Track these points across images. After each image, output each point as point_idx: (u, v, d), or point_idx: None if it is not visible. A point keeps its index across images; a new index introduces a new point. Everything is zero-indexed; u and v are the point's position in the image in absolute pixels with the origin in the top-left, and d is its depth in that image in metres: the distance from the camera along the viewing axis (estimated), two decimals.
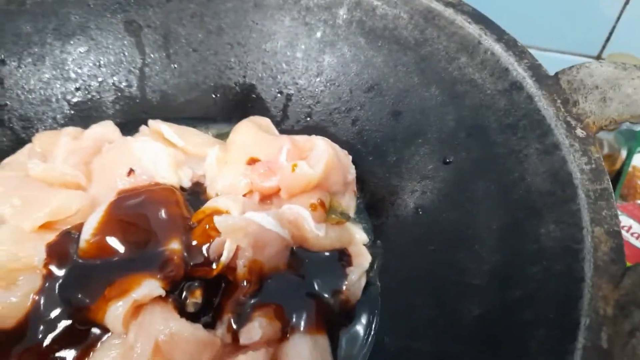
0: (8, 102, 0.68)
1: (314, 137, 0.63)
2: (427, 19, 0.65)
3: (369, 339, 0.55)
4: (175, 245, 0.52)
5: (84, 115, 0.71)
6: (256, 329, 0.50)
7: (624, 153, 0.91)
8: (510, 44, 0.60)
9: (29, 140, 0.67)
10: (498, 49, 0.60)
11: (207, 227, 0.53)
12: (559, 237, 0.48)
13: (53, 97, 0.70)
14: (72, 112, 0.71)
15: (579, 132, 0.52)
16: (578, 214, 0.47)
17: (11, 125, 0.68)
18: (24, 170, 0.60)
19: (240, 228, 0.52)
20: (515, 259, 0.50)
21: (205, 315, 0.52)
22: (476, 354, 0.48)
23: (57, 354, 0.51)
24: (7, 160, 0.64)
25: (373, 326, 0.56)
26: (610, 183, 0.48)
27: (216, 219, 0.52)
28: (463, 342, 0.50)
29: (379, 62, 0.69)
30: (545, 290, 0.46)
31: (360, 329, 0.56)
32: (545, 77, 0.56)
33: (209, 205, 0.56)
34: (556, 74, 0.56)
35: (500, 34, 0.61)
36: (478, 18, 0.62)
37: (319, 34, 0.71)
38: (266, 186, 0.60)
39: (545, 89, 0.55)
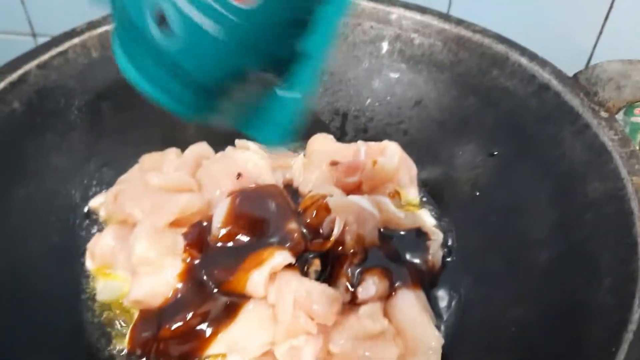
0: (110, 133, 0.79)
1: (383, 141, 0.76)
2: (459, 44, 0.80)
3: (456, 294, 0.66)
4: (293, 225, 0.63)
5: (169, 141, 0.82)
6: (371, 285, 0.61)
7: None
8: (533, 56, 0.75)
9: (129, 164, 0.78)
10: (524, 61, 0.74)
11: (317, 210, 0.65)
12: (604, 189, 0.61)
13: (145, 128, 0.81)
14: (162, 139, 0.82)
15: (603, 113, 0.66)
16: (616, 170, 0.61)
17: (114, 153, 0.78)
18: (141, 183, 0.70)
19: (347, 206, 0.64)
20: (569, 212, 0.63)
21: (323, 281, 0.63)
22: (550, 287, 0.60)
23: (202, 325, 0.60)
24: (121, 178, 0.74)
25: (458, 285, 0.67)
26: (636, 147, 0.62)
27: (329, 199, 0.64)
28: (537, 281, 0.61)
29: (420, 82, 0.83)
30: (602, 227, 0.59)
31: (447, 287, 0.67)
32: (566, 78, 0.71)
33: (314, 193, 0.67)
34: (575, 74, 0.71)
35: (522, 50, 0.76)
36: (502, 39, 0.78)
37: (366, 64, 0.85)
38: (350, 181, 0.72)
39: (568, 86, 0.70)
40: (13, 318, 0.60)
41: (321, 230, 0.64)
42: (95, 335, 0.63)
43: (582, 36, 0.98)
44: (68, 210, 0.72)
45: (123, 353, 0.61)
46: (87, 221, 0.73)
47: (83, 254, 0.69)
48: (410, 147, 0.81)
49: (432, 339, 0.58)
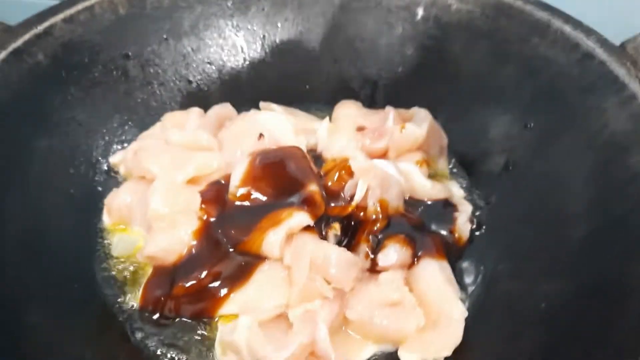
0: (134, 91, 0.77)
1: (413, 107, 0.72)
2: (498, 10, 0.75)
3: (483, 267, 0.63)
4: (313, 187, 0.60)
5: (193, 102, 0.80)
6: (392, 252, 0.58)
7: None
8: (577, 24, 0.70)
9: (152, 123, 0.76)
10: (567, 28, 0.70)
11: (339, 173, 0.62)
12: None
13: (170, 88, 0.79)
14: (185, 100, 0.80)
15: None
16: None
17: (137, 110, 0.77)
18: (162, 140, 0.69)
19: (371, 170, 0.61)
20: (610, 186, 0.59)
21: (343, 246, 0.60)
22: (586, 262, 0.56)
23: (215, 284, 0.58)
24: (143, 134, 0.73)
25: (485, 258, 0.64)
26: None
27: (352, 161, 0.61)
28: (572, 256, 0.58)
29: (456, 50, 0.79)
30: None
31: (474, 260, 0.64)
32: (612, 47, 0.66)
33: (337, 155, 0.64)
34: (622, 43, 0.66)
35: (566, 18, 0.71)
36: (544, 6, 0.73)
37: (399, 30, 0.82)
38: (376, 147, 0.69)
39: (614, 55, 0.65)
40: (29, 268, 0.59)
41: (343, 195, 0.61)
42: (109, 290, 0.62)
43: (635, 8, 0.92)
44: (88, 165, 0.71)
45: (134, 308, 0.59)
46: (106, 177, 0.72)
47: (100, 209, 0.68)
48: (442, 116, 0.77)
49: (455, 310, 0.55)
